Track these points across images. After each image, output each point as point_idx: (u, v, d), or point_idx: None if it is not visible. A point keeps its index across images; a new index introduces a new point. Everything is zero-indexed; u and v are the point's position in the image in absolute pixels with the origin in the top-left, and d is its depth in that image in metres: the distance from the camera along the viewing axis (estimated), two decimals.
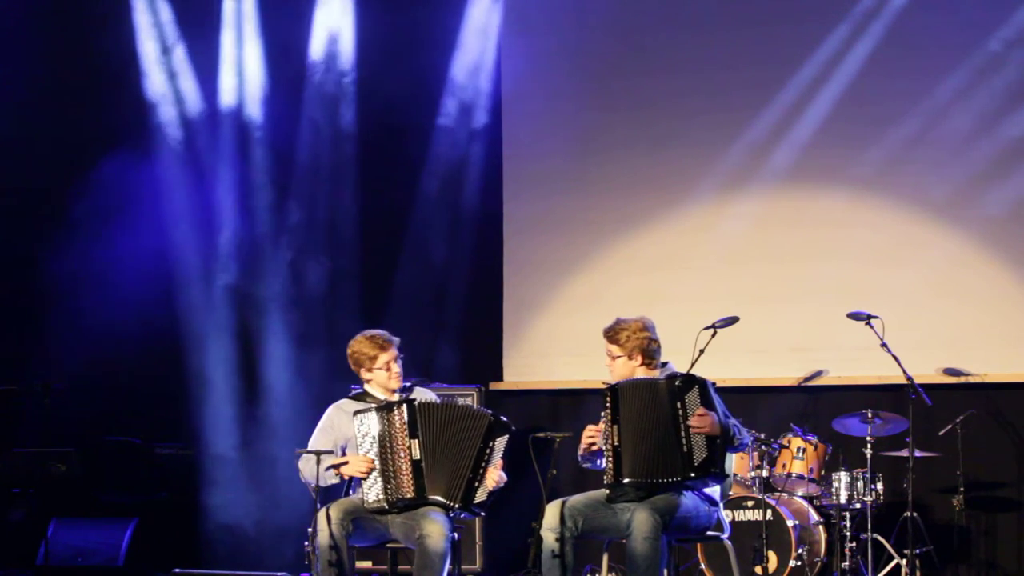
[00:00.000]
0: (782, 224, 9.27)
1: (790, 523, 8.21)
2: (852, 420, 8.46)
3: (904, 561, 8.15)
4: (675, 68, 9.45)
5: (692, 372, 6.58)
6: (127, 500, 9.42)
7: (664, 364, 6.76)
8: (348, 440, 6.91)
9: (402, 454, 6.76)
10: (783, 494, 8.45)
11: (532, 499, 6.66)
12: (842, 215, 9.18)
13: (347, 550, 6.65)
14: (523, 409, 9.22)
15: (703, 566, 8.24)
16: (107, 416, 9.61)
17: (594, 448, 6.63)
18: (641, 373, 6.67)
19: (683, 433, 6.45)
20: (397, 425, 6.78)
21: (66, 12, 9.94)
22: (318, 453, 6.72)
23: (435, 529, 6.57)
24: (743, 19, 9.36)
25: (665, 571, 6.46)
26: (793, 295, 9.18)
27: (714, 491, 6.66)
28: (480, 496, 6.79)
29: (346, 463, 6.82)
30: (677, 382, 6.50)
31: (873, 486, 8.35)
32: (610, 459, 6.48)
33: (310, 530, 6.66)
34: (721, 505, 6.71)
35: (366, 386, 7.08)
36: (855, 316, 8.13)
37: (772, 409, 9.01)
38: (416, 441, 6.78)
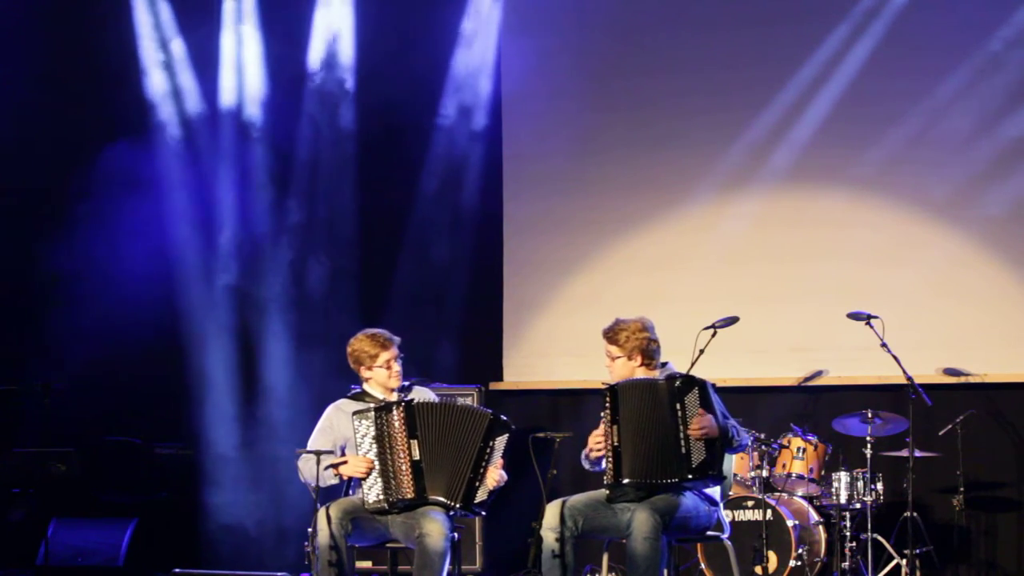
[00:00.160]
0: (782, 224, 9.27)
1: (790, 523, 8.21)
2: (852, 420, 8.46)
3: (904, 561, 8.15)
4: (675, 68, 9.45)
5: (692, 373, 6.57)
6: (127, 500, 9.42)
7: (664, 364, 6.76)
8: (347, 440, 6.91)
9: (401, 454, 6.76)
10: (783, 494, 8.45)
11: (532, 499, 6.66)
12: (842, 215, 9.17)
13: (347, 550, 6.65)
14: (523, 409, 9.21)
15: (703, 566, 8.24)
16: (107, 416, 9.61)
17: (596, 455, 6.61)
18: (641, 373, 6.67)
19: (682, 435, 6.45)
20: (396, 426, 6.78)
21: (66, 12, 9.94)
22: (318, 453, 6.72)
23: (435, 528, 6.57)
24: (743, 19, 9.36)
25: (665, 571, 6.46)
26: (793, 295, 9.18)
27: (714, 491, 6.66)
28: (481, 496, 6.80)
29: (345, 463, 6.82)
30: (677, 383, 6.49)
31: (873, 486, 8.35)
32: (610, 459, 6.48)
33: (310, 530, 6.66)
34: (721, 505, 6.71)
35: (365, 385, 7.08)
36: (855, 316, 8.13)
37: (772, 409, 9.01)
38: (415, 441, 6.78)
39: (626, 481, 6.46)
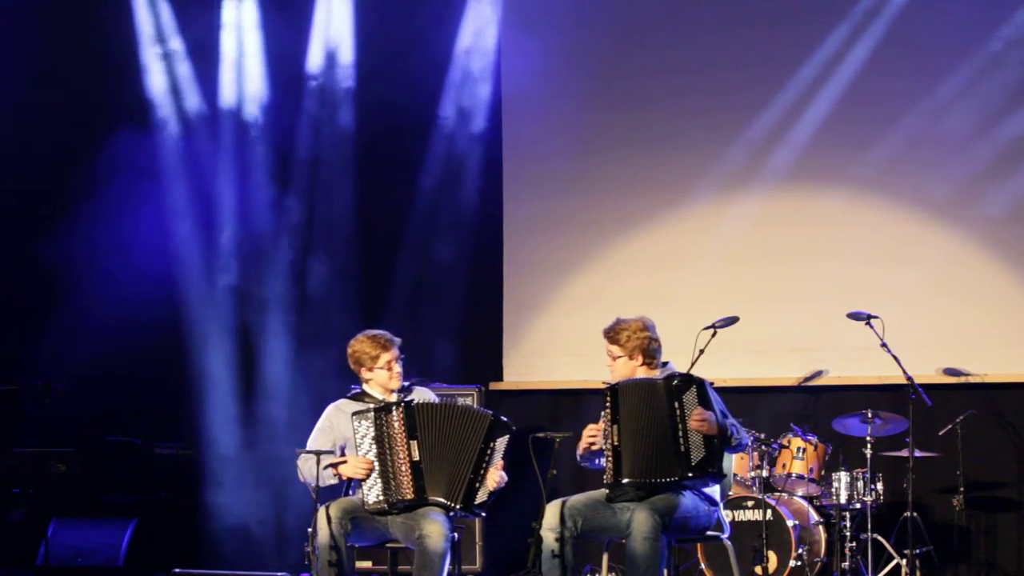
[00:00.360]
0: (782, 224, 9.27)
1: (790, 523, 8.21)
2: (852, 420, 8.45)
3: (904, 561, 8.15)
4: (675, 68, 9.45)
5: (691, 372, 6.58)
6: (127, 500, 9.42)
7: (665, 364, 6.76)
8: (347, 440, 6.91)
9: (401, 455, 6.76)
10: (783, 494, 8.45)
11: (532, 499, 6.65)
12: (842, 215, 9.17)
13: (347, 550, 6.65)
14: (523, 409, 9.22)
15: (703, 566, 8.24)
16: (107, 416, 9.61)
17: (594, 448, 6.63)
18: (642, 373, 6.67)
19: (681, 433, 6.45)
20: (396, 426, 6.78)
21: (66, 12, 9.94)
22: (318, 453, 6.72)
23: (435, 529, 6.57)
24: (743, 19, 9.36)
25: (665, 571, 6.46)
26: (793, 295, 9.18)
27: (714, 491, 6.67)
28: (481, 497, 6.80)
29: (345, 463, 6.82)
30: (675, 382, 6.50)
31: (873, 486, 8.35)
32: (610, 459, 6.49)
33: (310, 530, 6.67)
34: (721, 505, 6.72)
35: (365, 386, 7.08)
36: (855, 316, 8.13)
37: (772, 409, 9.01)
38: (415, 442, 6.78)
39: (626, 481, 6.47)
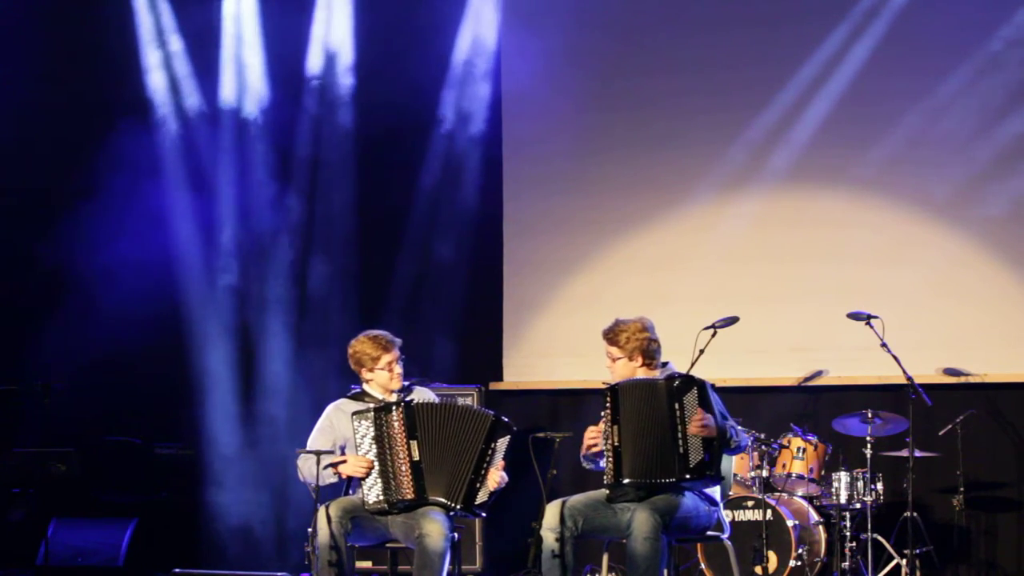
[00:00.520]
0: (782, 224, 9.27)
1: (790, 523, 8.21)
2: (852, 420, 8.45)
3: (904, 561, 8.15)
4: (675, 68, 9.45)
5: (692, 373, 6.57)
6: (127, 500, 9.42)
7: (665, 364, 6.75)
8: (347, 440, 6.90)
9: (401, 455, 6.76)
10: (783, 494, 8.45)
11: (532, 499, 6.66)
12: (842, 215, 9.17)
13: (347, 549, 6.65)
14: (523, 409, 9.22)
15: (703, 566, 8.24)
16: (107, 416, 9.61)
17: (594, 449, 6.62)
18: (642, 374, 6.67)
19: (680, 434, 6.45)
20: (396, 426, 6.78)
21: (66, 12, 9.94)
22: (318, 453, 6.72)
23: (434, 529, 6.57)
24: (743, 19, 9.36)
25: (665, 571, 6.46)
26: (793, 295, 9.18)
27: (714, 491, 6.66)
28: (482, 497, 6.79)
29: (344, 462, 6.82)
30: (676, 383, 6.50)
31: (873, 486, 8.35)
32: (610, 459, 6.49)
33: (310, 530, 6.67)
34: (721, 505, 6.71)
35: (365, 386, 7.08)
36: (855, 316, 8.13)
37: (772, 409, 9.01)
38: (415, 442, 6.77)
39: (626, 481, 6.47)
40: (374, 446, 6.78)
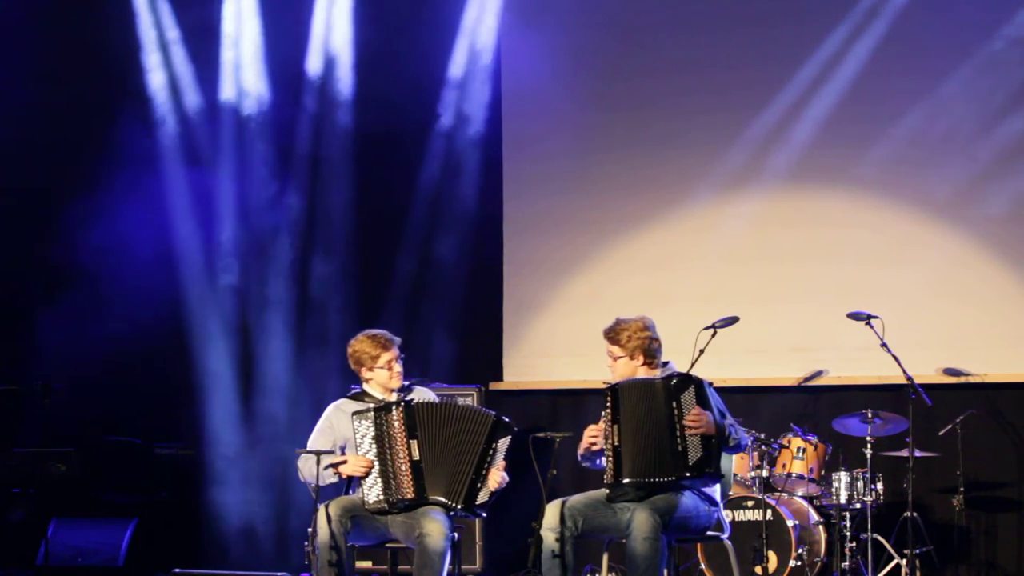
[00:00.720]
0: (782, 224, 9.27)
1: (790, 523, 8.21)
2: (852, 420, 8.45)
3: (904, 561, 8.15)
4: (675, 68, 9.45)
5: (691, 372, 6.57)
6: (127, 500, 9.42)
7: (665, 364, 6.75)
8: (347, 440, 6.90)
9: (401, 455, 6.76)
10: (783, 494, 8.45)
11: (532, 499, 6.65)
12: (842, 215, 9.17)
13: (347, 549, 6.65)
14: (523, 409, 9.22)
15: (703, 566, 8.24)
16: (107, 416, 9.61)
17: (595, 448, 6.62)
18: (643, 373, 6.67)
19: (678, 433, 6.45)
20: (396, 426, 6.78)
21: (66, 12, 9.94)
22: (318, 453, 6.72)
23: (435, 528, 6.57)
24: (743, 19, 9.36)
25: (665, 571, 6.46)
26: (793, 295, 9.18)
27: (714, 491, 6.66)
28: (482, 497, 6.79)
29: (345, 462, 6.82)
30: (673, 381, 6.50)
31: (873, 486, 8.35)
32: (610, 459, 6.49)
33: (310, 530, 6.67)
34: (721, 505, 6.71)
35: (365, 386, 7.08)
36: (855, 316, 8.13)
37: (772, 409, 9.01)
38: (415, 441, 6.77)
39: (626, 481, 6.46)
40: (374, 446, 6.78)
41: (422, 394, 7.10)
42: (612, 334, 6.71)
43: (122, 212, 9.75)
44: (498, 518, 7.81)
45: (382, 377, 7.00)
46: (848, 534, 8.36)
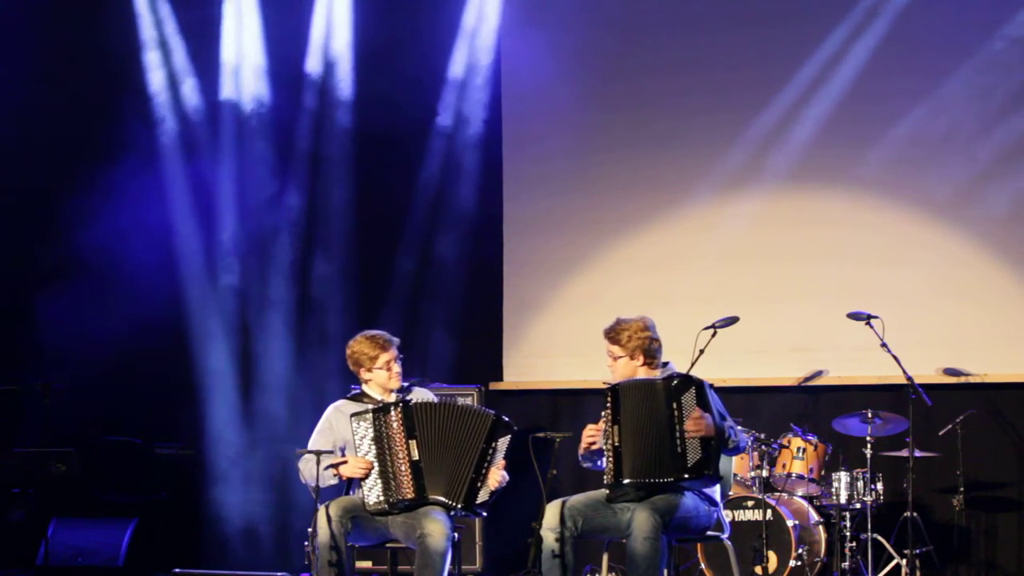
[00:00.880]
0: (782, 224, 9.27)
1: (790, 523, 8.21)
2: (852, 420, 8.45)
3: (904, 561, 8.15)
4: (675, 68, 9.45)
5: (691, 373, 6.57)
6: (127, 500, 9.42)
7: (666, 364, 6.75)
8: (346, 441, 6.90)
9: (400, 455, 6.76)
10: (783, 494, 8.45)
11: (532, 499, 6.65)
12: (842, 215, 9.17)
13: (347, 549, 6.65)
14: (523, 409, 9.22)
15: (703, 566, 8.24)
16: (107, 416, 9.61)
17: (594, 448, 6.62)
18: (643, 373, 6.67)
19: (678, 434, 6.45)
20: (394, 427, 6.78)
21: (66, 11, 9.94)
22: (318, 453, 6.72)
23: (436, 528, 6.57)
24: (743, 19, 9.35)
25: (665, 571, 6.46)
26: (793, 295, 9.18)
27: (714, 491, 6.66)
28: (483, 496, 6.79)
29: (345, 463, 6.82)
30: (674, 382, 6.50)
31: (873, 486, 8.35)
32: (610, 459, 6.49)
33: (310, 530, 6.67)
34: (721, 505, 6.71)
35: (364, 387, 7.08)
36: (855, 316, 8.13)
37: (772, 409, 9.01)
38: (414, 442, 6.77)
39: (626, 481, 6.46)
40: (373, 447, 6.78)
41: (421, 395, 7.10)
42: (612, 334, 6.71)
43: (122, 212, 9.75)
44: (498, 518, 7.81)
45: (381, 378, 7.00)
46: (848, 534, 8.36)
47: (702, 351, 6.70)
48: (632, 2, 9.62)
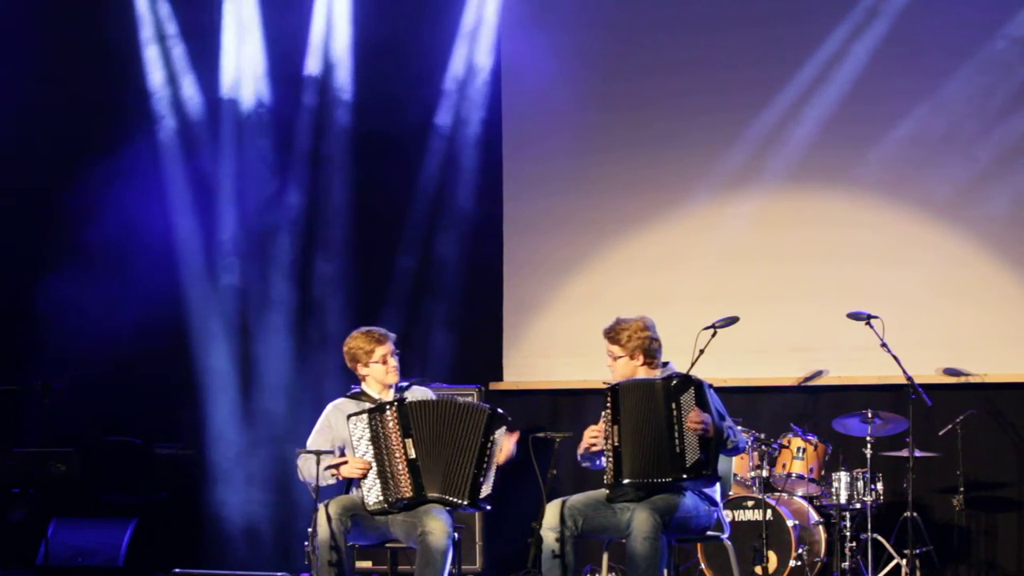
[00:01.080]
0: (782, 224, 9.27)
1: (790, 523, 8.21)
2: (852, 420, 8.45)
3: (904, 561, 8.15)
4: (675, 68, 9.45)
5: (691, 373, 6.57)
6: (127, 500, 9.42)
7: (665, 364, 6.75)
8: (345, 441, 6.90)
9: (397, 454, 6.76)
10: (783, 494, 8.45)
11: (532, 499, 6.66)
12: (842, 215, 9.17)
13: (347, 549, 6.64)
14: (523, 409, 9.22)
15: (703, 566, 8.24)
16: (107, 416, 9.61)
17: (594, 448, 6.62)
18: (643, 373, 6.67)
19: (676, 434, 6.45)
20: (390, 426, 6.78)
21: (66, 11, 9.94)
22: (317, 453, 6.72)
23: (437, 526, 6.57)
24: (743, 19, 9.36)
25: (665, 571, 6.46)
26: (793, 295, 9.18)
27: (714, 491, 6.67)
28: (486, 490, 6.78)
29: (344, 463, 6.81)
30: (673, 382, 6.50)
31: (873, 486, 8.35)
32: (610, 459, 6.49)
33: (310, 529, 6.66)
34: (721, 505, 6.71)
35: (363, 385, 7.07)
36: (855, 316, 8.13)
37: (772, 409, 9.02)
38: (410, 440, 6.77)
39: (626, 481, 6.47)
40: (370, 447, 6.78)
41: (418, 393, 7.09)
42: (612, 334, 6.71)
43: (122, 212, 9.74)
44: (498, 518, 7.81)
45: (378, 372, 6.99)
46: (848, 534, 8.36)
47: (702, 351, 6.70)
48: (632, 2, 9.62)
